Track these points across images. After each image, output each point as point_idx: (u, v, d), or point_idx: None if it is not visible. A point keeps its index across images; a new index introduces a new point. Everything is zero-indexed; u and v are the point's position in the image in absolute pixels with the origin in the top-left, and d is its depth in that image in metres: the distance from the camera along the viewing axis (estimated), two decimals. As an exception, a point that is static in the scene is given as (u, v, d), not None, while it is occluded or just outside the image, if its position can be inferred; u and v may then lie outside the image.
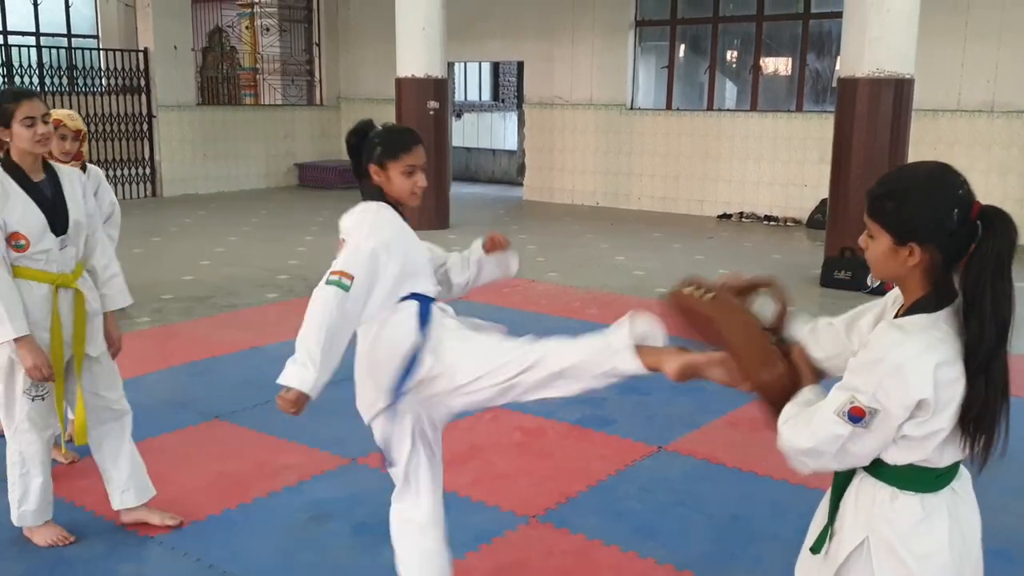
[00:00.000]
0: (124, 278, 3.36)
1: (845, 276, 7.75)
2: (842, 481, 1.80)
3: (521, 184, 14.28)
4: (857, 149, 7.83)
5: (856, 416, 1.63)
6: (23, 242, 2.99)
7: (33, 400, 3.11)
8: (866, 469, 1.74)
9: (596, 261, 9.03)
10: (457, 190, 13.93)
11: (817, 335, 1.90)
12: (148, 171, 13.31)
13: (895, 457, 1.69)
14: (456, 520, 3.52)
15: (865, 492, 1.75)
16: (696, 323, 1.97)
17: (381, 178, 2.48)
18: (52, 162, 3.18)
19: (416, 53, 10.21)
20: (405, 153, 2.47)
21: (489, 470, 3.98)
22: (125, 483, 3.35)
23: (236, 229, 10.65)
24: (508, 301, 6.95)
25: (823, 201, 10.60)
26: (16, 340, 2.96)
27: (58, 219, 3.07)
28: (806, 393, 1.80)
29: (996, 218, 1.61)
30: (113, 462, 3.33)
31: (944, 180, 1.65)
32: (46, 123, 3.01)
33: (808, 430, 1.70)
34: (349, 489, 3.78)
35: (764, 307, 1.96)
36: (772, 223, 11.54)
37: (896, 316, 1.72)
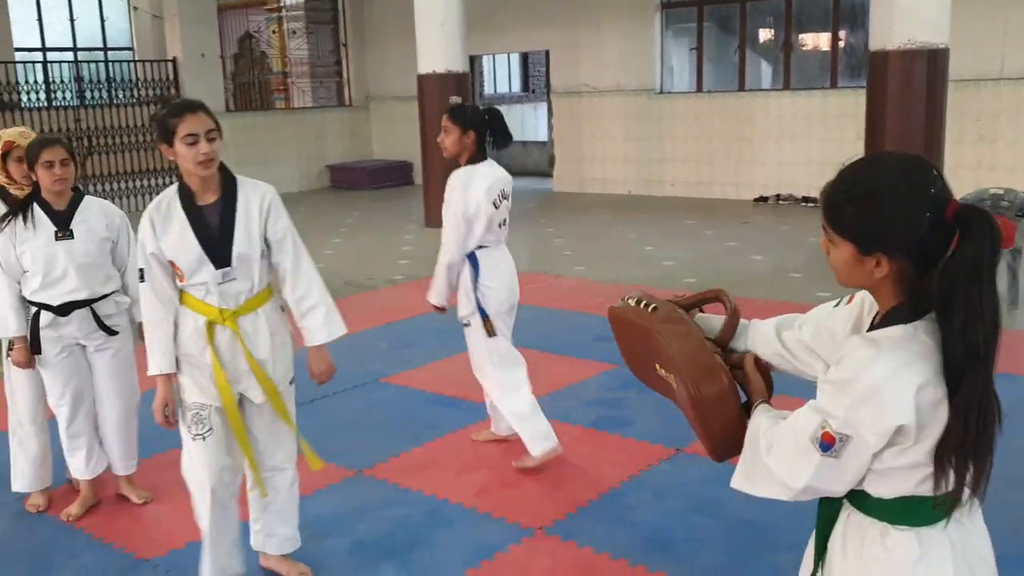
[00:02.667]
0: (332, 305, 2.99)
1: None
2: (827, 518, 1.59)
3: (553, 176, 14.07)
4: (891, 126, 7.53)
5: (827, 444, 1.42)
6: (180, 272, 2.72)
7: (194, 439, 2.82)
8: (852, 503, 1.53)
9: (624, 252, 8.82)
10: (488, 184, 13.75)
11: (758, 333, 1.73)
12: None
13: (879, 489, 1.47)
14: (460, 534, 3.41)
15: (853, 531, 1.53)
16: (635, 340, 1.76)
17: None
18: (240, 178, 2.81)
19: (435, 49, 10.07)
20: None
21: (497, 479, 3.84)
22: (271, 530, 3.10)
23: (266, 234, 10.63)
24: (529, 299, 6.79)
25: (861, 179, 10.25)
26: (157, 376, 2.76)
27: (219, 251, 2.71)
28: (761, 415, 1.59)
29: (974, 220, 1.37)
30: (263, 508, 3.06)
31: (912, 178, 1.41)
32: (211, 140, 2.64)
33: (787, 461, 1.49)
34: (351, 503, 3.68)
35: (712, 321, 1.78)
36: (810, 204, 11.19)
37: (871, 327, 1.51)
